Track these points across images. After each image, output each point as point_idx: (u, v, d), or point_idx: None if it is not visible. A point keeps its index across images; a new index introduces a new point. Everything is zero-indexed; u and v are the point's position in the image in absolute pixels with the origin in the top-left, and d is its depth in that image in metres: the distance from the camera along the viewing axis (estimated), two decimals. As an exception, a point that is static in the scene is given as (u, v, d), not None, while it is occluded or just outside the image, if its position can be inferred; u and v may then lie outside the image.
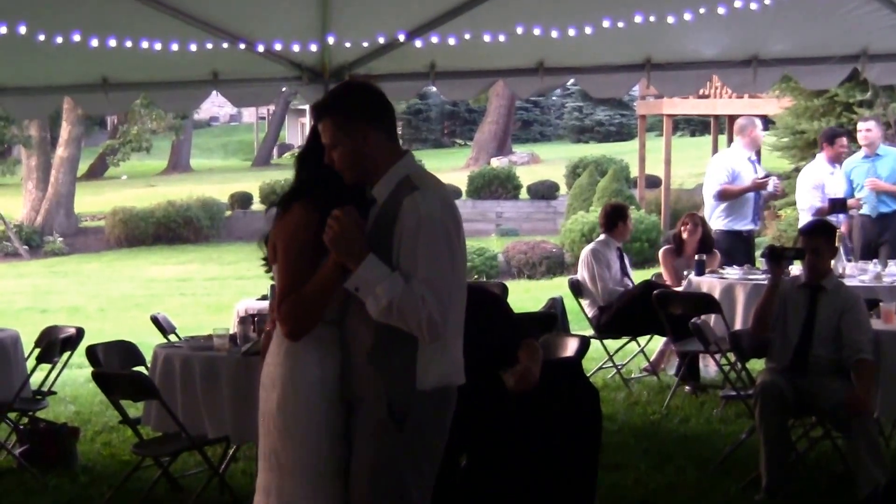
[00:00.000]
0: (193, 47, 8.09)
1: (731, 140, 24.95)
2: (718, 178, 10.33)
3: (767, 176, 10.56)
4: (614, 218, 9.84)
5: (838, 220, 10.42)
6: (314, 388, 3.75)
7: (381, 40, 8.52)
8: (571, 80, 9.70)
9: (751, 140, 10.50)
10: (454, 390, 3.78)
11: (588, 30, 7.96)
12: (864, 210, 10.82)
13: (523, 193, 28.68)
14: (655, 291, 8.80)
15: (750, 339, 6.77)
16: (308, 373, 3.76)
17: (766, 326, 6.56)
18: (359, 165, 3.72)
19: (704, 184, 10.83)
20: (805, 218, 10.66)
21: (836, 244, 8.77)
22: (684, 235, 9.76)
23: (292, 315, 3.77)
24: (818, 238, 6.55)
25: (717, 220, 10.23)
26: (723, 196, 10.22)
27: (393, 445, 3.65)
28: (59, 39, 7.63)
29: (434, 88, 9.46)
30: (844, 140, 11.01)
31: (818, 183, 10.73)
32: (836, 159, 10.89)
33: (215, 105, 53.63)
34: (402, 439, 3.64)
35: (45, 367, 7.67)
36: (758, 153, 11.45)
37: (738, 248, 10.16)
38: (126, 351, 7.30)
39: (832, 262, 8.60)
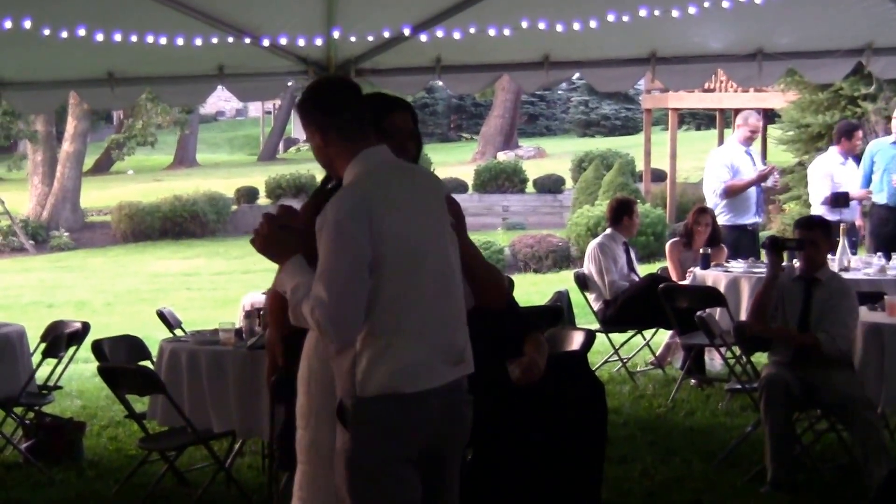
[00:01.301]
0: (199, 41, 8.10)
1: (737, 134, 24.97)
2: (719, 174, 10.30)
3: (771, 168, 10.53)
4: (620, 212, 9.84)
5: (842, 214, 10.41)
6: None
7: (387, 34, 8.53)
8: (577, 74, 9.70)
9: (747, 136, 10.46)
10: (407, 398, 3.51)
11: (593, 23, 7.95)
12: (881, 199, 10.72)
13: (529, 187, 28.69)
14: (661, 285, 8.80)
15: (749, 329, 6.80)
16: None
17: (764, 317, 6.58)
18: (324, 163, 3.77)
19: (704, 180, 10.82)
20: (817, 209, 10.64)
21: (841, 237, 8.86)
22: (697, 229, 9.71)
23: None
24: (815, 231, 6.58)
25: (720, 215, 10.22)
26: (728, 192, 10.19)
27: (343, 444, 3.57)
28: (65, 34, 7.64)
29: (440, 82, 9.46)
30: (860, 133, 11.00)
31: (828, 173, 10.70)
32: (851, 152, 10.86)
33: (221, 99, 53.56)
34: (350, 441, 3.53)
35: (51, 361, 7.69)
36: (763, 147, 11.43)
37: (743, 242, 10.15)
38: (132, 345, 7.31)
39: (834, 255, 8.75)
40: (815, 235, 6.55)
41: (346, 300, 3.45)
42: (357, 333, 3.51)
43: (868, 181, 10.72)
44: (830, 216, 10.35)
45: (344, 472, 3.55)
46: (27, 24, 7.38)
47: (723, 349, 7.72)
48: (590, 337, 6.19)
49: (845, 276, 8.27)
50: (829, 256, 8.76)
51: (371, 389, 3.50)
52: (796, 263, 7.09)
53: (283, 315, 3.80)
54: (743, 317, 8.18)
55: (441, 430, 3.62)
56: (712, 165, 10.59)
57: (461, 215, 4.08)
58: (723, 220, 10.20)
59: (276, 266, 3.76)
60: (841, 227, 9.06)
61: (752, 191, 10.30)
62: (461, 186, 28.17)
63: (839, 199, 10.46)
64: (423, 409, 3.54)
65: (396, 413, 3.51)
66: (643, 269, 10.62)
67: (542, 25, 8.03)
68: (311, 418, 3.82)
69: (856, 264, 8.84)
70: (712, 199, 10.39)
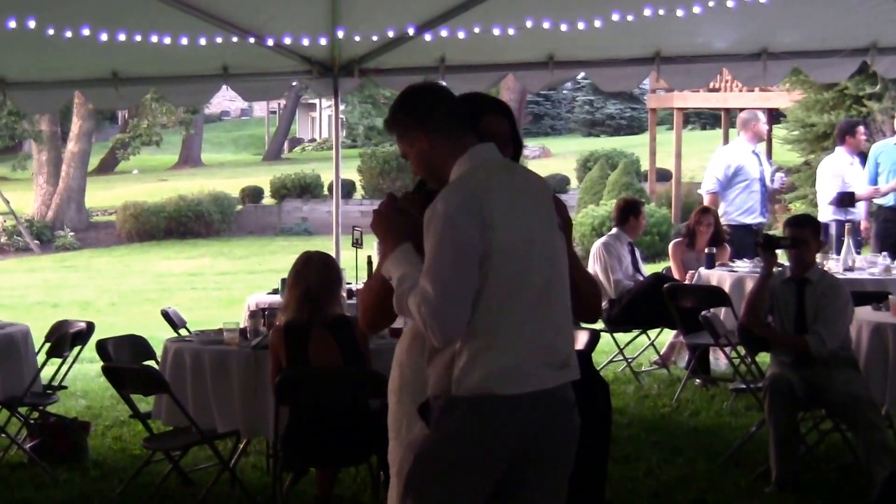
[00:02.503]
0: (203, 41, 8.11)
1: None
2: (716, 172, 10.34)
3: (776, 171, 10.53)
4: (626, 213, 9.83)
5: (851, 214, 10.39)
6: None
7: (391, 34, 8.53)
8: (581, 74, 9.71)
9: (754, 133, 10.46)
10: (502, 400, 3.37)
11: (598, 23, 7.95)
12: (888, 201, 10.70)
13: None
14: (666, 285, 8.80)
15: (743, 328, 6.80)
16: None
17: (757, 315, 6.59)
18: (429, 170, 3.62)
19: (704, 178, 10.81)
20: (826, 209, 10.62)
21: (846, 236, 8.85)
22: (700, 229, 9.71)
23: None
24: (805, 230, 6.57)
25: (725, 214, 10.21)
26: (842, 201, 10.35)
27: (423, 437, 3.49)
28: (69, 34, 7.65)
29: (444, 82, 9.44)
30: (862, 129, 11.00)
31: (838, 173, 10.69)
32: (857, 149, 10.85)
33: (226, 99, 53.67)
34: (432, 436, 3.45)
35: (56, 361, 7.69)
36: (769, 147, 11.41)
37: (747, 241, 10.14)
38: (136, 345, 7.32)
39: (843, 254, 8.74)
40: (805, 234, 6.54)
41: (453, 297, 3.35)
42: (461, 331, 3.39)
43: (874, 183, 10.70)
44: (839, 216, 10.34)
45: (414, 464, 3.45)
46: (32, 24, 7.39)
47: (727, 349, 7.71)
48: (594, 336, 6.19)
49: (850, 275, 8.29)
50: (834, 256, 8.78)
51: (466, 388, 3.38)
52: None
53: (378, 308, 3.67)
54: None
55: (537, 439, 3.45)
56: (712, 163, 10.58)
57: (569, 219, 3.90)
58: (727, 219, 10.20)
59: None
60: (846, 227, 9.05)
61: (758, 190, 10.28)
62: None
63: (845, 199, 10.45)
64: (518, 413, 3.39)
65: (489, 415, 3.38)
66: (648, 269, 10.62)
67: (546, 25, 8.03)
68: (402, 429, 3.70)
69: (861, 264, 8.83)
70: (704, 189, 10.42)
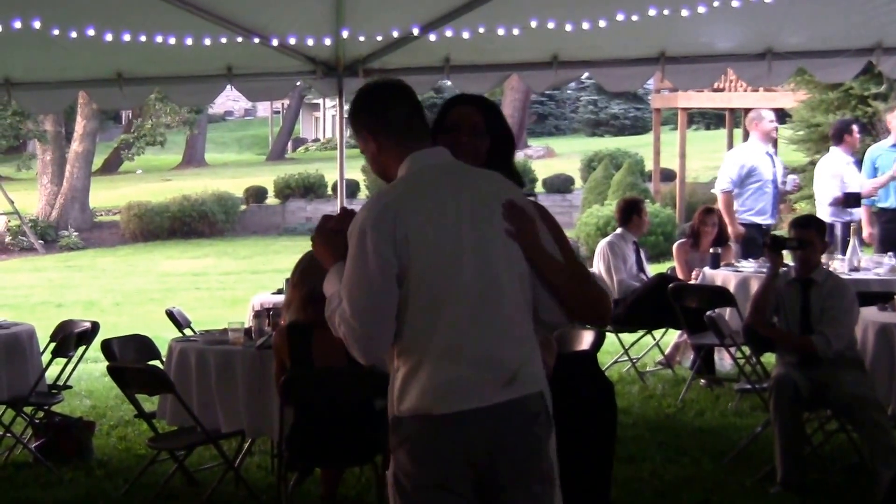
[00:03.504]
0: (208, 41, 8.11)
1: (745, 134, 24.95)
2: (730, 172, 10.29)
3: (789, 173, 10.50)
4: (629, 212, 9.84)
5: (852, 215, 10.38)
6: None
7: (396, 34, 8.53)
8: (586, 74, 9.69)
9: (763, 133, 10.43)
10: (439, 419, 3.22)
11: (602, 23, 7.95)
12: (891, 203, 10.70)
13: (539, 187, 28.67)
14: (671, 285, 8.79)
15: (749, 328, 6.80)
16: None
17: (763, 316, 6.59)
18: (379, 172, 3.56)
19: (718, 177, 10.80)
20: (824, 209, 10.61)
21: (851, 237, 8.84)
22: (704, 229, 9.71)
23: None
24: (810, 231, 6.56)
25: (736, 213, 10.17)
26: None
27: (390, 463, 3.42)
28: (74, 34, 7.65)
29: (448, 82, 9.45)
30: (856, 128, 10.99)
31: (837, 173, 10.67)
32: (853, 149, 10.84)
33: (230, 99, 53.73)
34: (392, 460, 3.36)
35: (61, 361, 7.70)
36: (774, 147, 11.37)
37: (757, 240, 10.12)
38: (141, 345, 7.32)
39: (849, 254, 8.72)
40: (810, 235, 6.54)
41: (368, 315, 3.28)
42: (383, 349, 3.31)
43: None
44: (840, 217, 10.33)
45: (389, 487, 3.37)
46: (37, 25, 7.40)
47: (732, 349, 7.71)
48: (599, 337, 6.18)
49: (856, 276, 8.28)
50: (839, 256, 8.77)
51: (405, 408, 3.27)
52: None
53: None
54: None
55: (493, 458, 3.27)
56: (726, 163, 10.54)
57: (554, 222, 3.69)
58: (740, 217, 10.16)
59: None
60: (851, 227, 9.03)
61: (770, 192, 10.24)
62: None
63: (850, 199, 10.43)
64: (459, 432, 3.23)
65: (428, 435, 3.24)
66: (653, 269, 10.62)
67: (551, 25, 8.02)
68: None
69: (866, 264, 8.81)
70: (718, 188, 10.39)
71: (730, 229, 9.93)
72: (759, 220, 10.26)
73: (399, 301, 3.27)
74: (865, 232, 10.58)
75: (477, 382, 3.25)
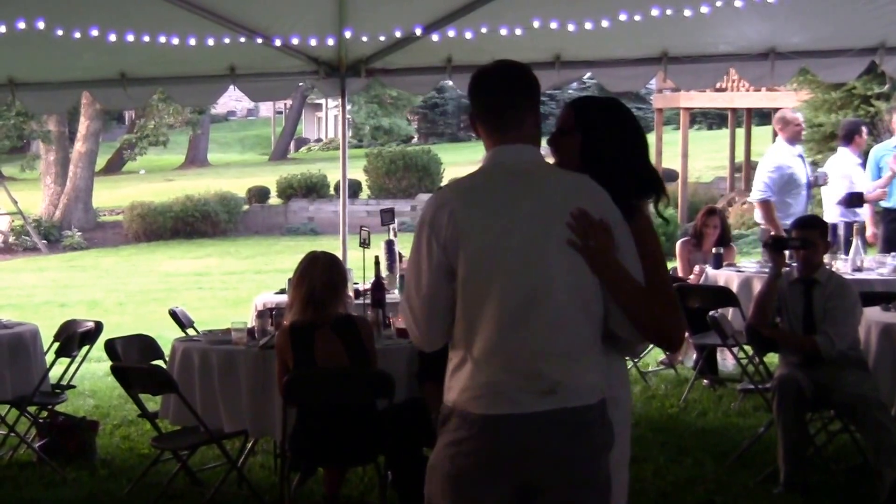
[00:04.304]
0: (211, 42, 8.12)
1: (748, 133, 24.96)
2: (765, 180, 10.12)
3: (819, 174, 10.43)
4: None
5: (857, 215, 10.36)
6: None
7: (398, 34, 8.53)
8: (588, 74, 9.67)
9: (792, 134, 10.26)
10: (476, 418, 3.21)
11: (605, 23, 7.94)
12: (891, 203, 10.68)
13: (540, 187, 28.66)
14: (673, 285, 8.77)
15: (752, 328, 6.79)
16: None
17: (765, 316, 6.59)
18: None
19: (753, 185, 10.64)
20: (833, 210, 10.57)
21: (854, 237, 8.83)
22: (706, 230, 9.70)
23: None
24: (812, 231, 6.56)
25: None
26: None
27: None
28: (78, 34, 7.66)
29: (451, 82, 9.44)
30: (865, 129, 10.96)
31: (846, 173, 10.63)
32: (861, 149, 10.81)
33: (232, 99, 53.71)
34: (434, 449, 3.38)
35: (64, 360, 7.71)
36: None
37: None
38: (144, 345, 7.33)
39: (852, 254, 8.72)
40: (813, 235, 6.54)
41: (421, 306, 3.32)
42: (439, 339, 3.35)
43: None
44: (849, 217, 10.29)
45: (425, 474, 3.38)
46: (40, 25, 7.41)
47: (735, 349, 7.71)
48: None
49: (859, 276, 8.27)
50: (842, 257, 8.77)
51: (449, 400, 3.29)
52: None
53: None
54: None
55: (531, 467, 3.20)
56: (760, 167, 10.44)
57: (644, 234, 3.51)
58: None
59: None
60: (854, 227, 9.03)
61: (804, 195, 10.16)
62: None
63: (854, 199, 10.41)
64: (493, 435, 3.21)
65: (466, 431, 3.23)
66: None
67: (553, 25, 8.02)
68: None
69: (869, 264, 8.81)
70: (755, 197, 10.28)
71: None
72: (789, 222, 10.06)
73: (454, 296, 3.29)
74: (869, 232, 10.56)
75: (512, 390, 3.21)
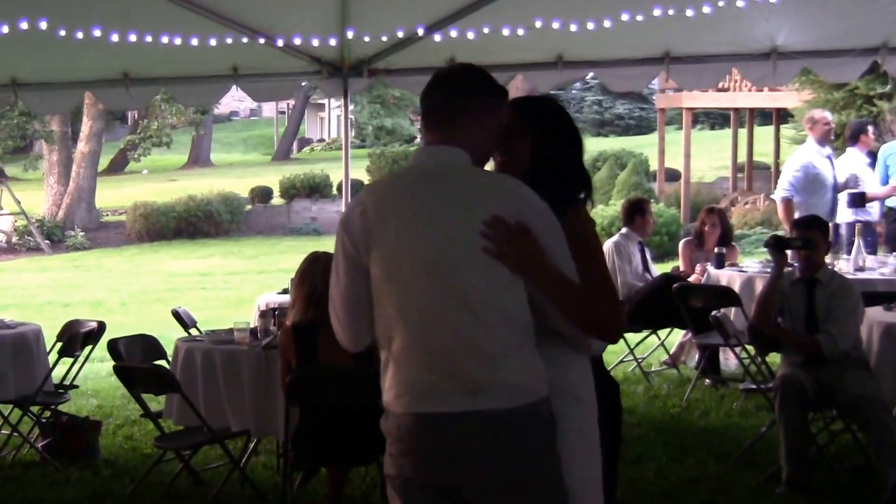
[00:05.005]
0: (213, 42, 8.13)
1: (750, 133, 24.97)
2: (789, 179, 10.11)
3: (850, 177, 10.41)
4: (632, 212, 9.84)
5: (867, 214, 10.35)
6: None
7: (400, 34, 8.54)
8: (590, 74, 9.69)
9: (821, 134, 10.25)
10: (400, 416, 3.20)
11: (607, 23, 7.95)
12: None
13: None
14: (675, 284, 8.79)
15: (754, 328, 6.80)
16: None
17: (768, 316, 6.59)
18: None
19: (778, 184, 10.64)
20: (846, 210, 10.54)
21: (856, 237, 8.84)
22: (706, 230, 9.74)
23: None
24: (813, 231, 6.56)
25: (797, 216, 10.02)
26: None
27: None
28: (80, 34, 7.67)
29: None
30: (872, 127, 10.93)
31: (854, 173, 10.61)
32: (869, 148, 10.77)
33: (235, 99, 53.82)
34: None
35: (67, 360, 7.72)
36: (777, 147, 11.30)
37: None
38: (147, 344, 7.34)
39: (854, 254, 8.72)
40: (813, 235, 6.54)
41: (340, 304, 3.35)
42: (362, 338, 3.37)
43: (885, 184, 10.66)
44: (860, 216, 10.28)
45: None
46: (43, 25, 7.41)
47: (737, 349, 7.71)
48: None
49: (861, 276, 8.28)
50: (845, 256, 8.77)
51: (383, 399, 3.28)
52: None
53: None
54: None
55: (454, 467, 3.16)
56: (786, 167, 10.42)
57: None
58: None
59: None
60: (857, 227, 9.03)
61: (829, 195, 10.13)
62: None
63: (857, 200, 10.41)
64: (415, 433, 3.18)
65: (396, 431, 3.22)
66: (658, 269, 10.62)
67: (555, 25, 8.03)
68: None
69: (871, 264, 8.81)
70: (778, 195, 10.28)
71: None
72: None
73: (371, 294, 3.28)
74: (880, 228, 10.58)
75: (437, 389, 3.16)
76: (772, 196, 10.46)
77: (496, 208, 3.19)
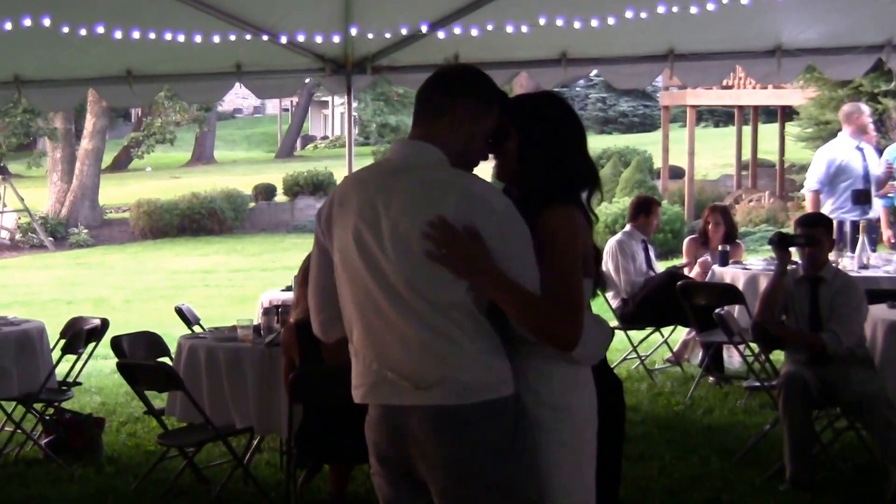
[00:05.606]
0: (217, 39, 8.12)
1: (755, 131, 24.93)
2: (817, 171, 10.09)
3: (890, 166, 10.37)
4: (637, 210, 9.84)
5: (867, 212, 10.31)
6: None
7: (404, 31, 8.53)
8: (594, 71, 9.67)
9: (857, 127, 10.18)
10: (363, 405, 3.36)
11: (611, 20, 7.94)
12: None
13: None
14: (679, 282, 8.78)
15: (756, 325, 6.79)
16: None
17: (771, 313, 6.58)
18: None
19: (807, 176, 10.60)
20: (875, 201, 10.48)
21: (860, 234, 8.82)
22: (710, 227, 9.74)
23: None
24: (817, 228, 6.55)
25: (826, 210, 9.97)
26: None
27: None
28: (84, 32, 7.67)
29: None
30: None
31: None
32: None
33: (239, 97, 53.79)
34: None
35: (71, 357, 7.72)
36: (781, 144, 11.26)
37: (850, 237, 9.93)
38: (151, 342, 7.35)
39: (858, 251, 8.71)
40: (817, 233, 6.53)
41: (313, 293, 3.46)
42: (331, 329, 3.43)
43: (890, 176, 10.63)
44: (855, 214, 10.23)
45: None
46: (46, 22, 7.41)
47: (741, 347, 7.70)
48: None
49: (865, 273, 8.27)
50: (849, 254, 8.76)
51: None
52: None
53: None
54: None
55: (409, 459, 3.25)
56: (815, 160, 10.38)
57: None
58: (835, 216, 9.93)
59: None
60: (860, 224, 9.01)
61: (860, 186, 10.00)
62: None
63: (860, 197, 10.38)
64: (372, 422, 3.33)
65: (366, 421, 3.39)
66: (662, 267, 10.62)
67: (559, 22, 8.02)
68: None
69: (875, 262, 8.79)
70: (806, 188, 10.24)
71: None
72: (851, 216, 10.01)
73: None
74: (885, 235, 10.52)
75: (387, 381, 3.22)
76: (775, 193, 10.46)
77: (445, 208, 3.15)
